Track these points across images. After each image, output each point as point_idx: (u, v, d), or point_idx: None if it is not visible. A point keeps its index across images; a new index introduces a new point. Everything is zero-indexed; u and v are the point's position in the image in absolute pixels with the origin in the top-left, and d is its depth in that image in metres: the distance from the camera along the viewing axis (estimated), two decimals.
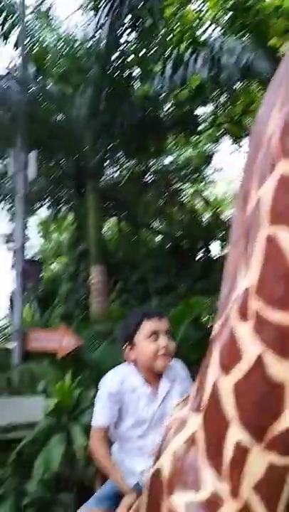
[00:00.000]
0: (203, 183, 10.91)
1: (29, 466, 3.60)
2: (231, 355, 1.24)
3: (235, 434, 1.16)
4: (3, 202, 9.48)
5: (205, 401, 1.29)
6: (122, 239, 9.63)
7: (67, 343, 4.96)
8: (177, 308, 4.93)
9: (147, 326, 1.84)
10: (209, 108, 9.98)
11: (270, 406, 1.16)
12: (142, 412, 1.81)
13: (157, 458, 1.34)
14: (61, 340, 4.95)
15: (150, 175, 9.81)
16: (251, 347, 1.20)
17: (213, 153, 11.58)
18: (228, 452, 1.16)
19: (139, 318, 1.86)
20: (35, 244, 16.45)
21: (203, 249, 9.20)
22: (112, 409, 1.81)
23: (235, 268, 1.40)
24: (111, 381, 1.86)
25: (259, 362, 1.18)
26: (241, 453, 1.14)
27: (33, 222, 16.40)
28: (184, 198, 9.62)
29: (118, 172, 9.73)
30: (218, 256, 9.60)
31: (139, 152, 8.98)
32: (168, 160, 10.69)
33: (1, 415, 3.81)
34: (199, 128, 9.52)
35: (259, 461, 1.12)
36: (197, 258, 8.98)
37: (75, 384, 4.03)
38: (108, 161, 9.16)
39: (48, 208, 12.27)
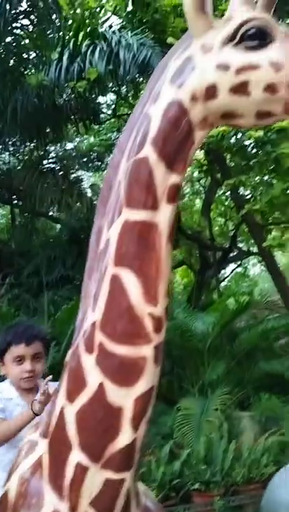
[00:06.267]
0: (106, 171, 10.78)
1: None
2: (76, 384, 1.37)
3: (76, 456, 1.29)
4: None
5: (52, 427, 1.39)
6: (15, 228, 9.22)
7: None
8: (68, 305, 4.96)
9: (13, 351, 1.96)
10: (110, 97, 9.92)
11: (107, 429, 1.31)
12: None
13: (8, 479, 1.41)
14: None
15: (49, 162, 9.46)
16: (93, 377, 1.33)
17: (115, 142, 11.42)
18: (69, 473, 1.30)
19: (4, 345, 1.97)
20: None
21: None
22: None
23: (88, 297, 1.51)
24: None
25: (99, 390, 1.32)
26: (80, 472, 1.28)
27: None
28: (83, 187, 9.46)
29: (13, 157, 9.24)
30: None
31: (37, 137, 8.64)
32: (69, 146, 10.39)
33: None
34: (101, 117, 9.44)
35: (96, 478, 1.27)
36: None
37: None
38: (1, 146, 8.66)
39: None
